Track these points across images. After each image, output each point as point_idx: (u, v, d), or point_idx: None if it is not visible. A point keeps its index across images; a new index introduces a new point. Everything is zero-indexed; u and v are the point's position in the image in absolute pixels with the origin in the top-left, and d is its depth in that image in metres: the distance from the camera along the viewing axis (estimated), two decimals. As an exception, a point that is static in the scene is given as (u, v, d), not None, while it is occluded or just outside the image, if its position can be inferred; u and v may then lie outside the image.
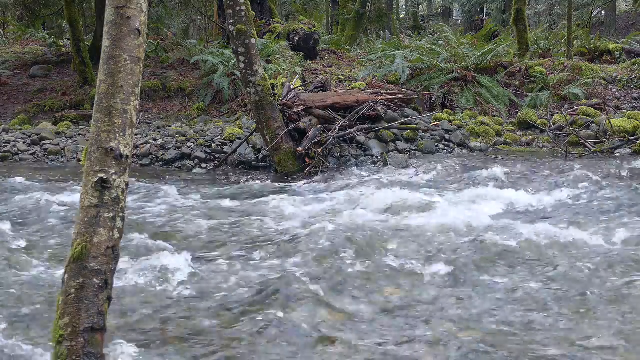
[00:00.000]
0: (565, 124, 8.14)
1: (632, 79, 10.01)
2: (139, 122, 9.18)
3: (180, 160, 7.65)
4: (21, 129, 9.25)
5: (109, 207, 2.16)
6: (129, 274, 3.46)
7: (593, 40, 12.29)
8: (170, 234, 4.46)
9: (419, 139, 7.88)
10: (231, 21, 6.80)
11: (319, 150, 6.82)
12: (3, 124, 9.78)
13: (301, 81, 8.75)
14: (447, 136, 8.09)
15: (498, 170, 6.49)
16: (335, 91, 8.19)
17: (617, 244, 3.94)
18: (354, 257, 3.77)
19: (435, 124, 8.30)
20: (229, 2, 6.80)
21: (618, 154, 7.43)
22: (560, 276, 3.39)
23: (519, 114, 8.88)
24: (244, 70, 6.91)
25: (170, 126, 9.30)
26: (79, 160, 7.74)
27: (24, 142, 8.45)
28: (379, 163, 7.17)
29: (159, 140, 8.13)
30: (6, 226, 4.53)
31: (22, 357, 2.57)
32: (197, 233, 4.48)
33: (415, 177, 6.45)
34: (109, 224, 2.15)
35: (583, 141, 7.73)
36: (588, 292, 3.18)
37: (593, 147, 7.58)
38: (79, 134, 8.99)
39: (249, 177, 6.95)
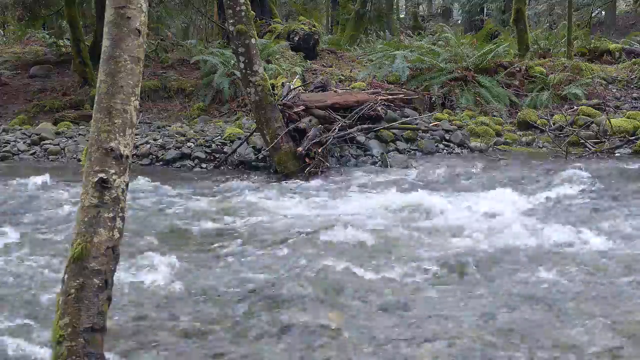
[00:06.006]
0: (565, 124, 8.14)
1: (632, 79, 10.01)
2: (139, 122, 9.18)
3: (180, 160, 7.64)
4: (21, 129, 9.25)
5: (109, 207, 2.16)
6: (127, 274, 3.46)
7: (593, 40, 12.29)
8: (169, 233, 4.46)
9: (419, 139, 7.88)
10: (231, 21, 6.79)
11: (319, 150, 6.81)
12: (3, 124, 9.78)
13: (301, 81, 8.75)
14: (447, 136, 8.09)
15: (498, 170, 6.50)
16: (335, 91, 8.19)
17: (618, 244, 3.94)
18: (354, 257, 3.77)
19: (435, 124, 8.30)
20: (229, 2, 6.79)
21: (618, 154, 7.43)
22: (561, 276, 3.39)
23: (519, 114, 8.88)
24: (244, 70, 6.91)
25: (170, 126, 9.30)
26: (79, 160, 7.74)
27: (24, 142, 8.44)
28: (379, 163, 7.17)
29: (159, 140, 8.13)
30: (6, 226, 4.53)
31: (22, 357, 2.56)
32: (196, 232, 4.48)
33: (415, 178, 6.45)
34: (109, 224, 2.15)
35: (583, 141, 7.73)
36: (588, 293, 3.18)
37: (593, 147, 7.58)
38: (79, 134, 8.99)
39: (249, 177, 6.95)
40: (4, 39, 17.08)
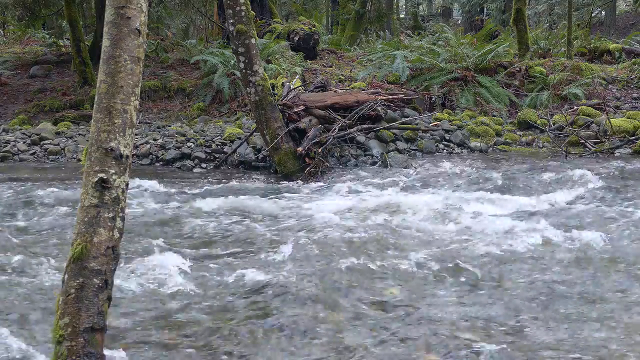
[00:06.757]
0: (565, 124, 8.14)
1: (632, 79, 10.02)
2: (139, 122, 9.18)
3: (180, 160, 7.65)
4: (21, 129, 9.26)
5: (109, 207, 2.15)
6: (128, 274, 3.46)
7: (593, 40, 12.30)
8: (169, 233, 4.46)
9: (419, 139, 7.88)
10: (231, 21, 6.80)
11: (319, 150, 6.82)
12: (3, 124, 9.79)
13: (301, 81, 8.75)
14: (447, 136, 8.09)
15: (498, 170, 6.49)
16: (335, 91, 8.19)
17: (617, 245, 3.93)
18: (354, 258, 3.77)
19: (435, 124, 8.31)
20: (229, 2, 6.80)
21: (618, 154, 7.43)
22: (560, 277, 3.39)
23: (519, 114, 8.89)
24: (244, 70, 6.91)
25: (170, 126, 9.31)
26: (79, 160, 7.74)
27: (24, 142, 8.45)
28: (379, 163, 7.17)
29: (159, 140, 8.14)
30: (6, 226, 4.53)
31: (22, 357, 2.56)
32: (196, 233, 4.48)
33: (415, 178, 6.45)
34: (109, 224, 2.15)
35: (583, 141, 7.73)
36: (588, 293, 3.18)
37: (593, 147, 7.58)
38: (79, 134, 9.00)
39: (248, 177, 6.95)
40: (4, 39, 17.09)
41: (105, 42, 2.27)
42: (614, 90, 9.81)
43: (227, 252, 4.02)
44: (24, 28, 15.74)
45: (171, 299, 3.21)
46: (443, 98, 9.36)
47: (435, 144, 7.88)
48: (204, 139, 8.08)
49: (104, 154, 2.18)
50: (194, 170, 7.43)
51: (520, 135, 8.39)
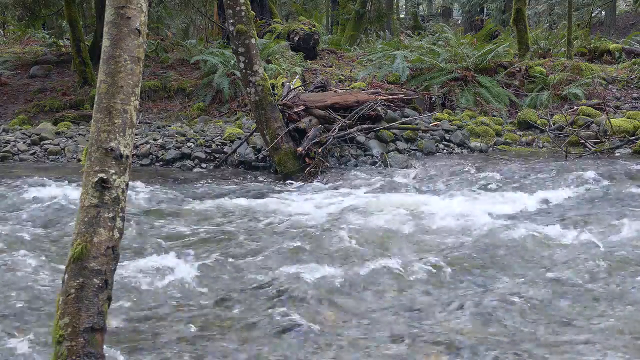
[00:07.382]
0: (565, 124, 8.14)
1: (632, 79, 10.01)
2: (139, 122, 9.18)
3: (180, 160, 7.65)
4: (21, 129, 9.25)
5: (109, 207, 2.16)
6: (129, 274, 3.46)
7: (593, 40, 12.29)
8: (170, 233, 4.46)
9: (419, 139, 7.87)
10: (231, 21, 6.80)
11: (319, 150, 6.82)
12: (3, 124, 9.78)
13: (301, 81, 8.75)
14: (447, 136, 8.09)
15: (498, 170, 6.49)
16: (335, 91, 8.19)
17: (616, 244, 3.93)
18: (354, 258, 3.77)
19: (435, 124, 8.30)
20: (229, 2, 6.80)
21: (618, 154, 7.43)
22: (559, 276, 3.39)
23: (519, 114, 8.89)
24: (244, 70, 6.91)
25: (170, 126, 9.30)
26: (79, 160, 7.74)
27: (24, 142, 8.45)
28: (379, 163, 7.17)
29: (159, 140, 8.13)
30: (6, 226, 4.53)
31: (22, 357, 2.57)
32: (197, 233, 4.48)
33: (415, 178, 6.45)
34: (109, 224, 2.15)
35: (583, 141, 7.73)
36: (587, 292, 3.18)
37: (593, 147, 7.58)
38: (79, 134, 8.99)
39: (249, 177, 6.95)
40: (4, 39, 17.09)
41: (105, 42, 2.27)
42: (614, 90, 9.81)
43: (227, 252, 4.02)
44: (24, 28, 15.74)
45: (170, 299, 3.21)
46: (443, 98, 9.36)
47: (435, 144, 7.87)
48: (204, 139, 8.07)
49: (104, 154, 2.18)
50: (194, 170, 7.43)
51: (520, 135, 8.38)
